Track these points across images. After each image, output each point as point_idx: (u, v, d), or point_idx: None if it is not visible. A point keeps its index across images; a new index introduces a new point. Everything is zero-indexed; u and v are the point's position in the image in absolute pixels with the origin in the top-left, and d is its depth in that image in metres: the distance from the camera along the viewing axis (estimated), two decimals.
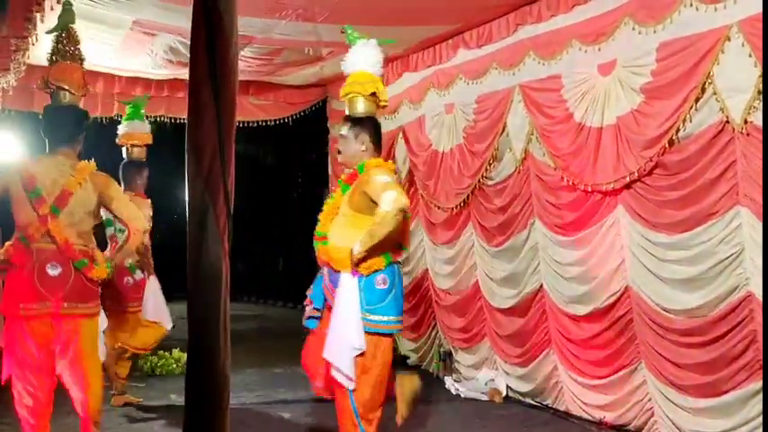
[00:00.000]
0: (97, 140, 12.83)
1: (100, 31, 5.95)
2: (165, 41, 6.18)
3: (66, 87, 4.33)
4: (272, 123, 8.83)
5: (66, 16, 4.55)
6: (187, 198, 1.58)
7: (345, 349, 3.86)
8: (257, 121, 8.71)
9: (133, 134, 6.38)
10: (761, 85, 4.00)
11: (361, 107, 4.21)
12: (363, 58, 4.29)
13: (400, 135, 7.39)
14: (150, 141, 6.47)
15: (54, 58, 4.44)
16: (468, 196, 6.41)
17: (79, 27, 5.77)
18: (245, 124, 8.67)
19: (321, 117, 9.02)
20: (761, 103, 4.02)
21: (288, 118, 8.79)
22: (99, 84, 7.61)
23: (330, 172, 8.86)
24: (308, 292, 4.24)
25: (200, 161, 1.54)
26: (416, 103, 7.10)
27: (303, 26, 5.87)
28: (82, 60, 4.53)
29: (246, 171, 15.70)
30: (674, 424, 4.64)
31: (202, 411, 1.50)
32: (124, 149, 6.41)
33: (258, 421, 5.56)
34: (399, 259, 4.07)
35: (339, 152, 4.25)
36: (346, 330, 3.87)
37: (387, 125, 7.59)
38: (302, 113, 8.84)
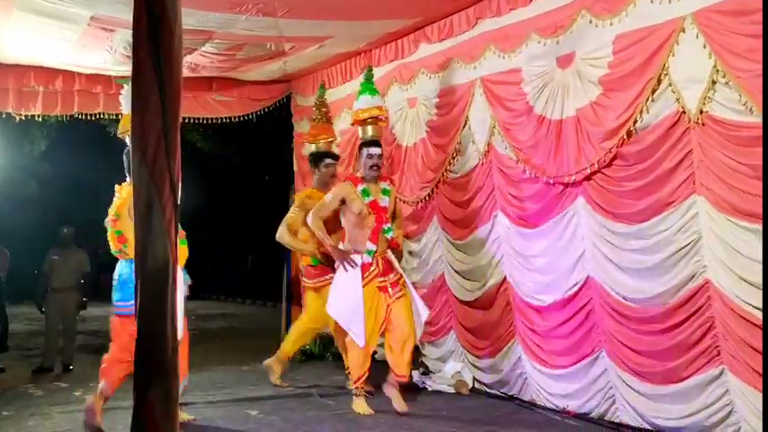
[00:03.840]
0: (59, 138, 12.58)
1: (57, 27, 5.87)
2: (124, 38, 6.11)
3: None
4: (237, 120, 8.77)
5: None
6: (132, 188, 1.57)
7: None
8: (222, 119, 8.64)
9: (369, 110, 5.92)
10: (715, 76, 4.07)
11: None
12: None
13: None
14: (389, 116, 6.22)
15: None
16: (432, 190, 6.44)
17: (36, 23, 5.75)
18: (210, 121, 8.63)
19: (286, 114, 8.98)
20: (715, 93, 4.09)
21: (252, 115, 8.73)
22: (58, 81, 7.50)
23: (295, 169, 8.82)
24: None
25: (144, 150, 1.52)
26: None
27: (264, 21, 5.84)
28: None
29: (213, 169, 15.64)
30: (635, 410, 4.71)
31: (151, 398, 1.49)
32: (360, 130, 5.99)
33: (226, 418, 5.53)
34: None
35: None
36: None
37: (349, 121, 7.59)
38: (266, 110, 8.79)
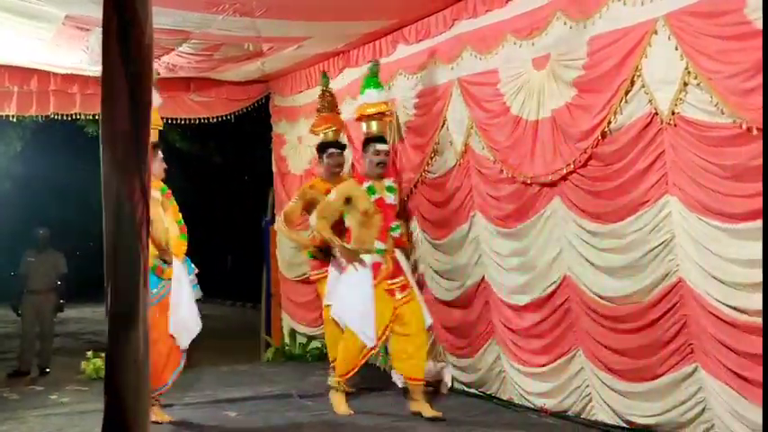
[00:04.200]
0: (35, 139, 12.48)
1: (31, 26, 5.82)
2: (100, 37, 6.06)
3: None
4: (215, 120, 8.75)
5: None
6: (102, 189, 1.57)
7: None
8: (200, 119, 8.62)
9: (376, 105, 5.80)
10: (686, 77, 4.12)
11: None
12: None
13: (342, 131, 7.38)
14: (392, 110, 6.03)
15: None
16: (411, 190, 6.46)
17: (9, 22, 5.70)
18: (188, 121, 8.60)
19: (264, 114, 8.96)
20: (687, 95, 4.15)
21: (231, 115, 8.71)
22: (33, 81, 7.43)
23: (274, 170, 8.80)
24: None
25: (114, 151, 1.53)
26: (357, 99, 7.09)
27: (241, 21, 5.83)
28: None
29: (192, 170, 15.57)
30: (610, 408, 4.76)
31: (123, 399, 1.50)
32: (364, 125, 5.84)
33: (205, 419, 5.51)
34: None
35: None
36: None
37: None
38: (245, 110, 8.78)
